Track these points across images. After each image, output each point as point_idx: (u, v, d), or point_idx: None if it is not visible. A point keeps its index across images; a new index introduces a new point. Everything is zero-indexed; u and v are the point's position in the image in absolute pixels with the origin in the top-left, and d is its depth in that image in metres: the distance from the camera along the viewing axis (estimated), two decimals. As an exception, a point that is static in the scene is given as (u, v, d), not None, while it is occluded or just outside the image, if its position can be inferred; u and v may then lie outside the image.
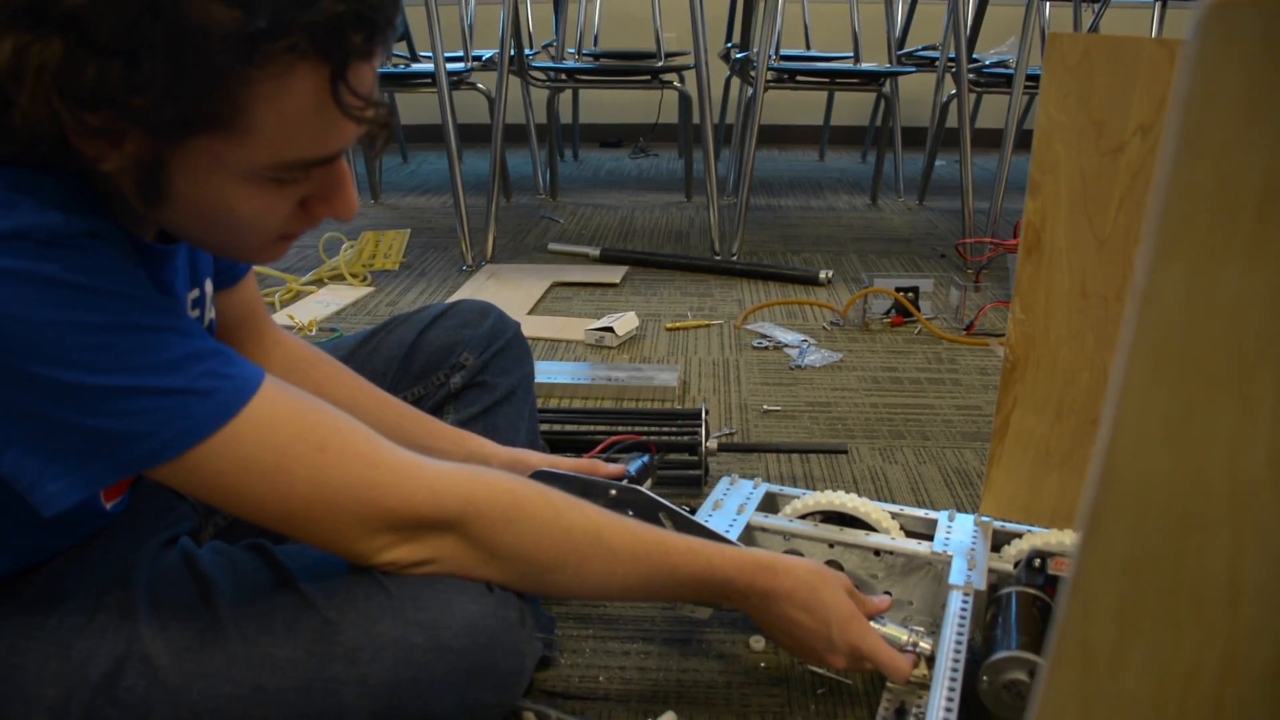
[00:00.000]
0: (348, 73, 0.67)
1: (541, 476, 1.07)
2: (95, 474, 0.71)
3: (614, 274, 2.67)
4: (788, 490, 1.26)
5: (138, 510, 0.93)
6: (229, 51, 0.63)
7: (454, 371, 1.23)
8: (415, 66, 3.60)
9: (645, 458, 1.21)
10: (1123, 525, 0.32)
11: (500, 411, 1.24)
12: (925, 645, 0.96)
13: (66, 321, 0.67)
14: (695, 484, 1.50)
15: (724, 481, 1.28)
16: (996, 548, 1.14)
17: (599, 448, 1.29)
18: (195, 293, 0.94)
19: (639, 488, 1.07)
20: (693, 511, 1.29)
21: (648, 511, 1.06)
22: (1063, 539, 1.09)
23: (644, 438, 1.40)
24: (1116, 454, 0.31)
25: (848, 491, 1.26)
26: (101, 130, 0.66)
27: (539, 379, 1.89)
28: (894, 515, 1.19)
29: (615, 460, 1.20)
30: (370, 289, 2.59)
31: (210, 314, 0.98)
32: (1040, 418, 1.16)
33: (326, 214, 0.78)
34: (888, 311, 2.29)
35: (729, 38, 4.15)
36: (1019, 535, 1.13)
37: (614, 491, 1.07)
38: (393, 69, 3.52)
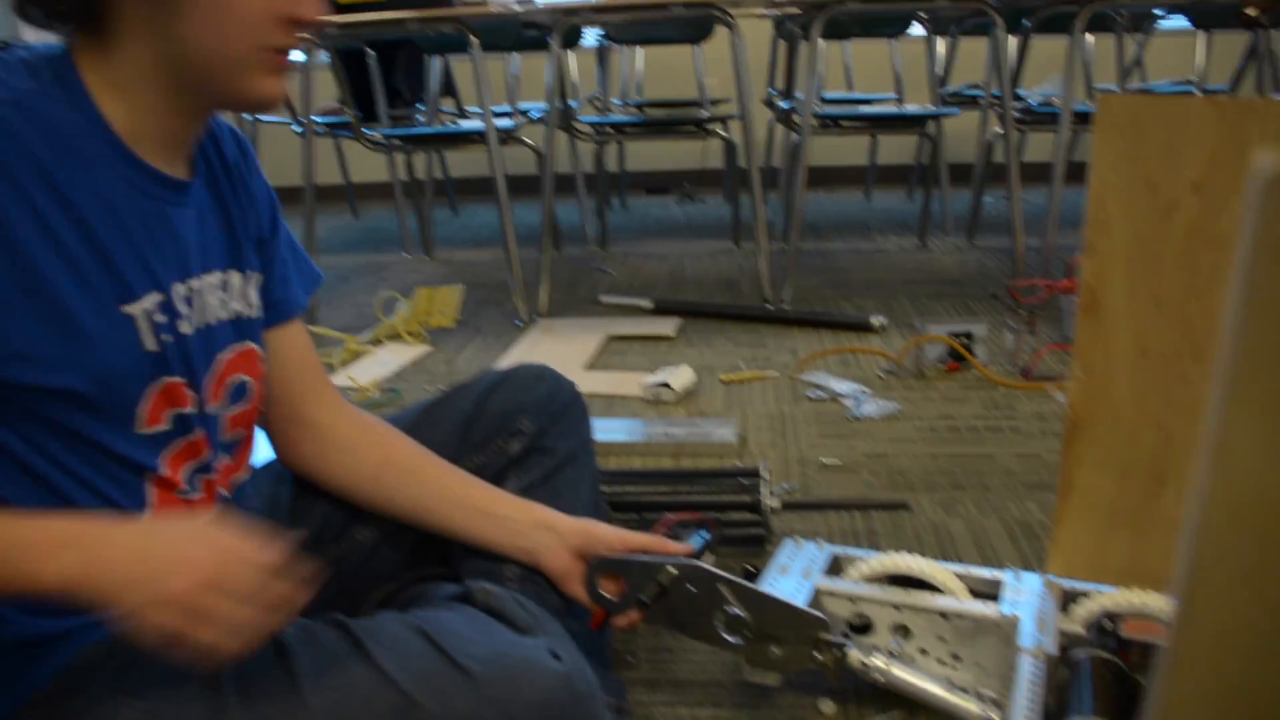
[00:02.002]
0: None
1: (602, 565, 1.09)
2: None
3: (668, 325, 2.70)
4: (853, 552, 1.26)
5: None
6: None
7: (513, 438, 1.24)
8: (464, 124, 3.67)
9: (705, 534, 1.23)
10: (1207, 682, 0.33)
11: (561, 476, 1.25)
12: (995, 717, 0.96)
13: None
14: (758, 543, 1.51)
15: (788, 543, 1.29)
16: (1064, 607, 1.13)
17: (660, 525, 1.31)
18: (218, 276, 0.97)
19: (699, 563, 1.09)
20: (757, 572, 1.30)
21: (709, 586, 1.07)
22: (1131, 599, 1.08)
23: (702, 515, 1.41)
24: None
25: (910, 549, 1.26)
26: None
27: (597, 437, 1.91)
28: (959, 576, 1.19)
29: (676, 537, 1.21)
30: (428, 348, 2.63)
31: (241, 308, 1.01)
32: (1105, 476, 1.16)
33: (293, 11, 0.86)
34: (942, 358, 2.29)
35: (771, 83, 4.19)
36: (1086, 594, 1.13)
37: (674, 570, 1.08)
38: (441, 128, 3.60)
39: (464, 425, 1.24)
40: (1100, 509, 1.18)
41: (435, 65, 3.98)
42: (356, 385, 2.31)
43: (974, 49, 4.07)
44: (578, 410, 1.30)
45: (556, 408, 1.26)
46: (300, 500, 1.18)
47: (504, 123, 3.24)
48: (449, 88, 4.35)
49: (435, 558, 1.21)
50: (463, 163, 5.02)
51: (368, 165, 4.88)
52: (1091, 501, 1.18)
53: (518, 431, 1.24)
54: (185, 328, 0.93)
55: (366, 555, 1.20)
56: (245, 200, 1.04)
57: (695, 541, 1.20)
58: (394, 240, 4.22)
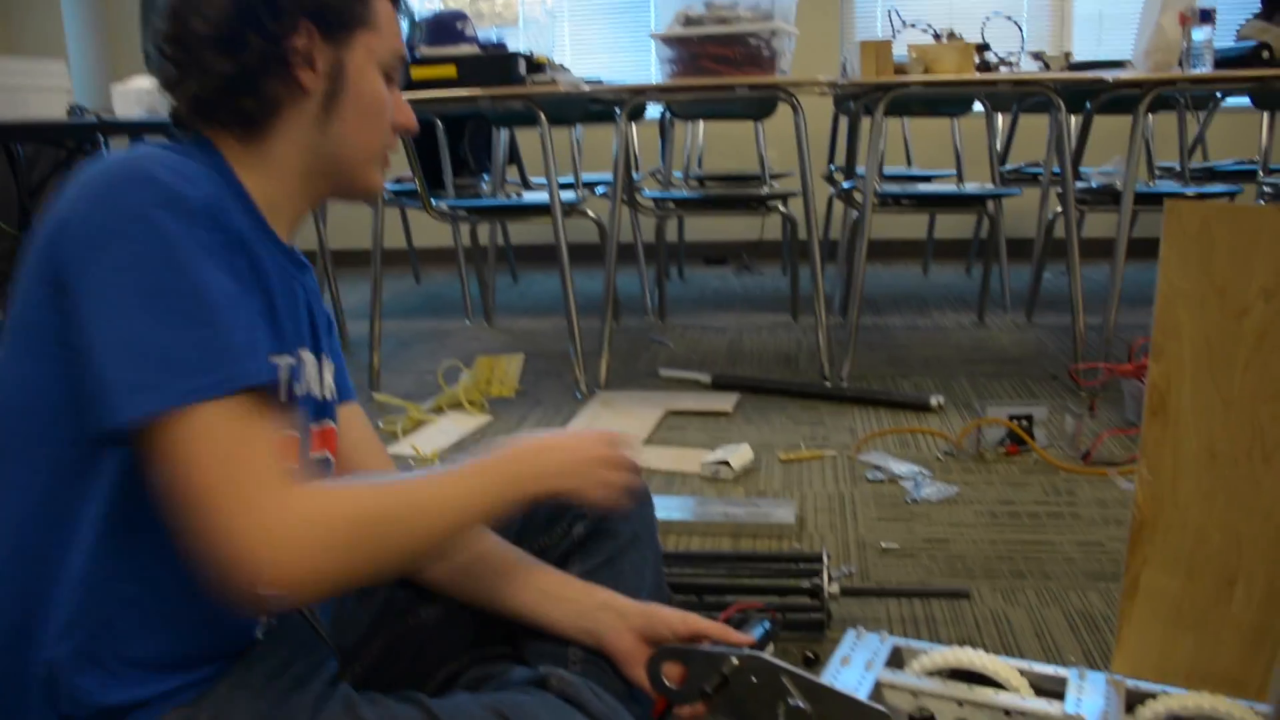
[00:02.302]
0: None
1: (666, 654, 1.10)
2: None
3: (726, 401, 2.72)
4: (915, 644, 1.26)
5: (282, 642, 1.00)
6: None
7: (577, 521, 1.26)
8: (528, 197, 3.75)
9: (767, 624, 1.23)
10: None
11: (625, 559, 1.25)
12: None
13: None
14: (818, 628, 1.51)
15: (850, 634, 1.29)
16: (1130, 708, 1.12)
17: (724, 615, 1.31)
18: (310, 353, 1.04)
19: (761, 654, 1.09)
20: (817, 658, 1.30)
21: (771, 678, 1.08)
22: (1199, 701, 1.07)
23: (764, 605, 1.42)
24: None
25: (971, 638, 1.26)
26: (304, 53, 0.96)
27: (657, 515, 1.93)
28: (1023, 672, 1.19)
29: (739, 626, 1.22)
30: (488, 417, 2.67)
31: (319, 390, 1.06)
32: (1171, 577, 1.15)
33: (404, 121, 1.06)
34: (1002, 441, 2.28)
35: (831, 158, 4.23)
36: (1153, 695, 1.12)
37: (736, 660, 1.09)
38: (507, 200, 3.68)
39: (530, 509, 1.25)
40: (1167, 609, 1.17)
41: (502, 135, 4.08)
42: (419, 455, 2.35)
43: (1035, 125, 4.09)
44: (640, 492, 1.31)
45: None
46: None
47: (568, 195, 3.30)
48: (514, 155, 4.45)
49: (498, 636, 1.23)
50: (522, 230, 5.11)
51: (431, 230, 4.98)
52: (1158, 602, 1.17)
53: (581, 515, 1.26)
54: (299, 391, 1.00)
55: (430, 633, 1.22)
56: (316, 296, 1.12)
57: (757, 631, 1.21)
58: (455, 306, 4.30)
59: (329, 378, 1.10)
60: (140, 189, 0.84)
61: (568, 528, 1.26)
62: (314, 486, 0.88)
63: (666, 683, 1.12)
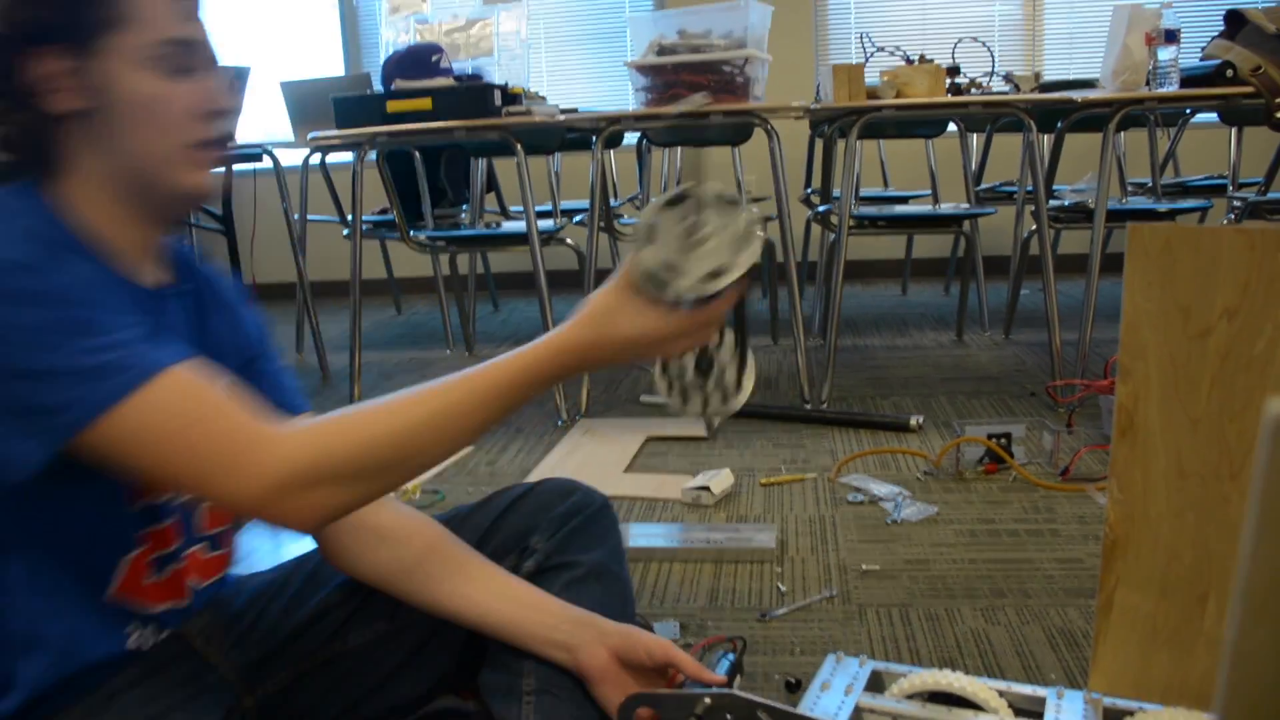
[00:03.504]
0: None
1: (635, 701, 1.09)
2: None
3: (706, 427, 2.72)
4: (894, 667, 1.27)
5: (158, 672, 1.01)
6: None
7: (525, 557, 1.24)
8: (507, 226, 3.76)
9: (730, 655, 1.24)
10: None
11: (585, 590, 1.22)
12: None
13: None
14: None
15: (830, 659, 1.30)
16: (1109, 726, 1.13)
17: (694, 649, 1.31)
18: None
19: (735, 691, 1.09)
20: (798, 683, 1.31)
21: (747, 712, 1.08)
22: (1176, 717, 1.08)
23: (726, 636, 1.42)
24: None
25: (951, 658, 1.26)
26: (54, 72, 0.92)
27: (637, 543, 1.94)
28: (1001, 693, 1.19)
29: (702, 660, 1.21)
30: (469, 446, 2.67)
31: None
32: (1145, 595, 1.16)
33: (209, 105, 0.99)
34: (981, 459, 2.30)
35: (808, 183, 4.27)
36: (1130, 713, 1.13)
37: (709, 700, 1.08)
38: (485, 230, 3.69)
39: (479, 543, 1.24)
40: (1141, 627, 1.18)
41: (480, 165, 4.09)
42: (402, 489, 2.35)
43: (1009, 143, 4.13)
44: (605, 521, 1.29)
45: (577, 523, 1.26)
46: (304, 591, 1.22)
47: (546, 224, 3.32)
48: (492, 184, 4.47)
49: (435, 664, 1.22)
50: (504, 257, 5.13)
51: (411, 259, 4.98)
52: (1132, 619, 1.19)
53: (529, 550, 1.24)
54: None
55: (353, 663, 1.20)
56: (228, 324, 1.13)
57: (723, 666, 1.21)
58: (436, 336, 4.30)
59: None
60: None
61: (516, 563, 1.24)
62: (303, 426, 0.91)
63: None
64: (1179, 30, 2.82)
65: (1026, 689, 1.20)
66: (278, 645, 1.18)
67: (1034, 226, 3.15)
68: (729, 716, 1.07)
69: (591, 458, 2.52)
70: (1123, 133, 4.18)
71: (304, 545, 1.27)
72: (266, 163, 4.05)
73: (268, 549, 2.02)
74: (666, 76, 2.86)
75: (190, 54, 0.98)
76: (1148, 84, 2.81)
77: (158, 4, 0.96)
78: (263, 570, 1.28)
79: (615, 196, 4.46)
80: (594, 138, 3.05)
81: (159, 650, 1.04)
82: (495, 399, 0.96)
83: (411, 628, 1.20)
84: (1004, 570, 1.82)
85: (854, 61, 3.15)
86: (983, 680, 1.19)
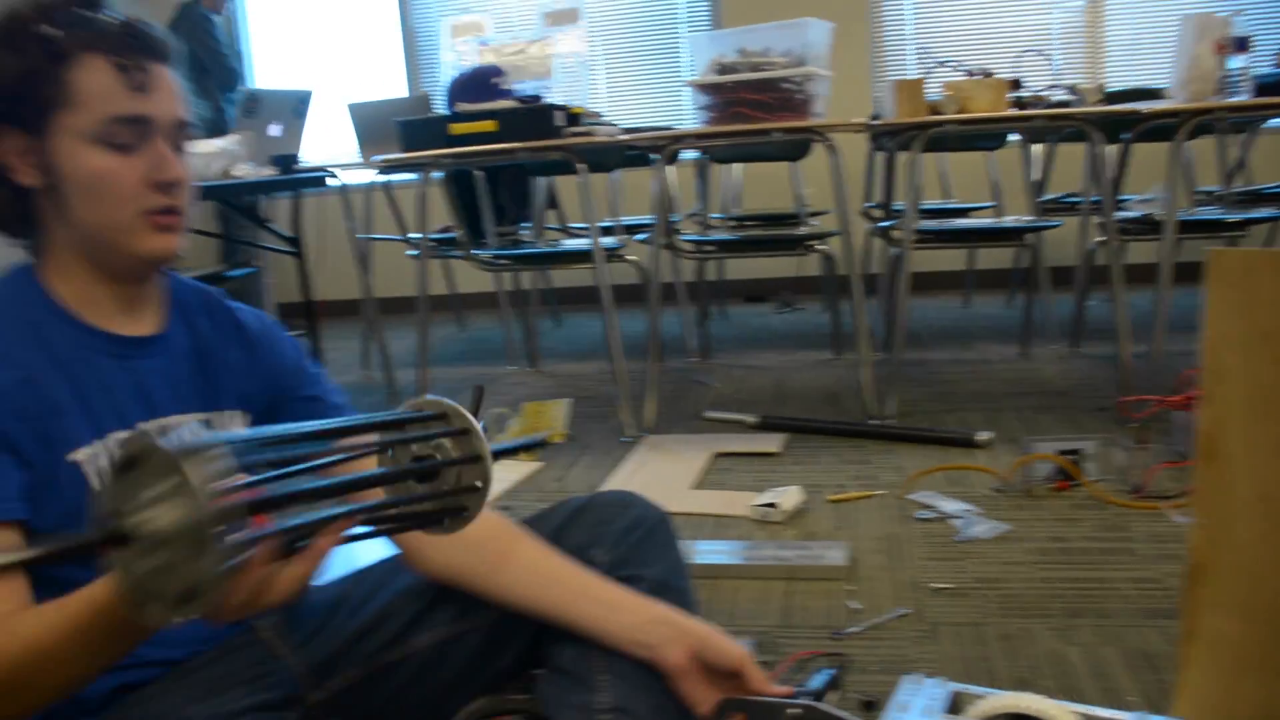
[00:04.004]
0: (117, 55, 1.02)
1: (728, 705, 1.11)
2: None
3: (773, 442, 2.73)
4: (973, 689, 1.27)
5: (228, 655, 1.08)
6: (48, 54, 1.00)
7: (595, 548, 1.24)
8: (569, 244, 3.80)
9: (830, 672, 1.25)
10: None
11: None
12: None
13: None
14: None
15: (906, 680, 1.30)
16: (1194, 753, 1.12)
17: (789, 659, 1.32)
18: (196, 416, 1.13)
19: (823, 705, 1.10)
20: (875, 705, 1.31)
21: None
22: (1264, 745, 1.07)
23: (828, 651, 1.43)
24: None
25: (1027, 679, 1.25)
26: (11, 149, 1.01)
27: (706, 559, 1.95)
28: (1084, 717, 1.19)
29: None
30: (539, 464, 2.70)
31: None
32: (1230, 621, 1.15)
33: (159, 177, 1.04)
34: (1051, 476, 2.28)
35: (868, 194, 4.25)
36: (1217, 740, 1.12)
37: (798, 709, 1.10)
38: (547, 248, 3.73)
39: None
40: (1227, 653, 1.17)
41: (540, 182, 4.14)
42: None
43: (1073, 152, 4.09)
44: (663, 535, 1.29)
45: (638, 537, 1.26)
46: (370, 595, 1.25)
47: (608, 241, 3.34)
48: (553, 201, 4.51)
49: (497, 667, 1.23)
50: (566, 274, 5.17)
51: (474, 276, 5.04)
52: (1218, 646, 1.17)
53: (591, 563, 1.24)
54: None
55: (421, 667, 1.22)
56: (243, 367, 1.19)
57: (820, 679, 1.22)
58: (499, 352, 4.35)
59: (239, 427, 1.17)
60: None
61: (588, 559, 1.24)
62: None
63: None
64: (1250, 37, 2.78)
65: (1109, 713, 1.20)
66: (343, 646, 1.20)
67: (1100, 237, 3.12)
68: None
69: (658, 474, 2.54)
70: (1191, 140, 4.12)
71: (376, 554, 1.30)
72: (332, 183, 4.14)
73: (342, 557, 2.07)
74: (727, 95, 2.88)
75: (137, 129, 1.04)
76: (1218, 92, 2.78)
77: (103, 83, 1.01)
78: (334, 579, 1.32)
79: (676, 211, 4.48)
80: (655, 156, 3.07)
81: (231, 639, 1.11)
82: (95, 624, 0.92)
83: (475, 631, 1.23)
84: (1079, 589, 1.81)
85: (911, 75, 3.14)
86: (1063, 704, 1.19)
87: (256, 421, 1.20)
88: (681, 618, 1.16)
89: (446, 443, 0.89)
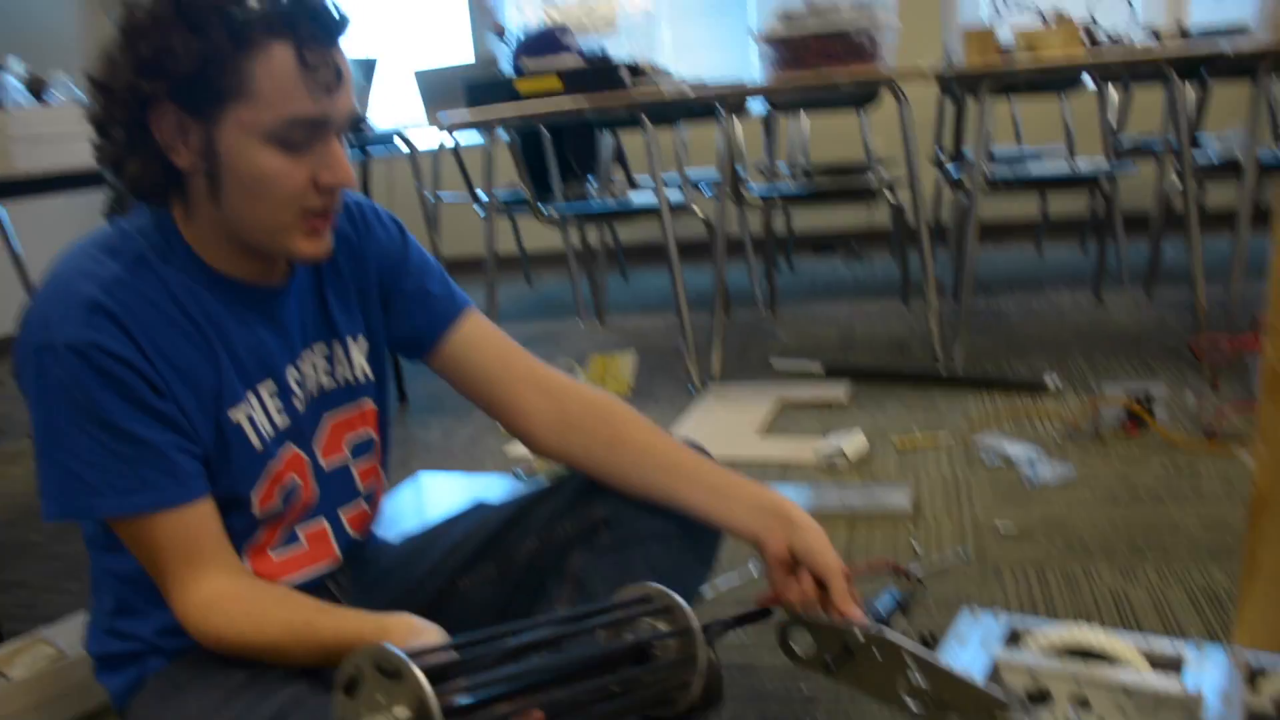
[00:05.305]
0: (305, 47, 0.95)
1: (794, 622, 1.15)
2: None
3: (839, 390, 2.74)
4: (1030, 623, 1.29)
5: None
6: (232, 38, 0.93)
7: (597, 503, 1.26)
8: (635, 199, 3.81)
9: (896, 594, 1.27)
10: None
11: (637, 551, 1.24)
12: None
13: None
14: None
15: (965, 613, 1.32)
16: (1251, 683, 1.13)
17: (860, 570, 1.35)
18: (321, 347, 1.16)
19: (886, 631, 1.13)
20: (934, 638, 1.33)
21: (893, 654, 1.12)
22: (1323, 675, 1.08)
23: (898, 565, 1.46)
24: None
25: (1089, 616, 1.27)
26: (174, 129, 0.96)
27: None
28: (1140, 649, 1.20)
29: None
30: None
31: (346, 373, 1.19)
32: (1290, 552, 1.16)
33: (329, 180, 1.01)
34: (1120, 420, 2.26)
35: (938, 140, 4.20)
36: (1276, 671, 1.13)
37: (861, 635, 1.13)
38: (614, 203, 3.75)
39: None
40: (1286, 584, 1.17)
41: (606, 138, 4.15)
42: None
43: (1150, 95, 3.99)
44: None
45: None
46: (425, 550, 1.32)
47: (674, 195, 3.36)
48: (619, 156, 4.53)
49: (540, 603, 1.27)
50: (633, 229, 5.19)
51: (541, 233, 5.09)
52: (1278, 577, 1.18)
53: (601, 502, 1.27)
54: (298, 403, 1.13)
55: (470, 599, 1.29)
56: (351, 273, 1.20)
57: (886, 600, 1.25)
58: (568, 307, 4.40)
59: (359, 358, 1.21)
60: (37, 329, 0.98)
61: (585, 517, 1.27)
62: (224, 585, 1.03)
63: (794, 648, 1.18)
64: (1335, -31, 2.69)
65: (1166, 644, 1.20)
66: (399, 596, 1.27)
67: (1176, 180, 3.05)
68: (877, 654, 1.12)
69: (725, 422, 2.57)
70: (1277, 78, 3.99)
71: (447, 508, 1.37)
72: (401, 146, 4.19)
73: (412, 514, 2.14)
74: (794, 46, 2.87)
75: (314, 129, 0.98)
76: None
77: (287, 79, 0.95)
78: (404, 535, 1.38)
79: (743, 163, 4.46)
80: (721, 109, 3.07)
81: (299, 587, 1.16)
82: (341, 652, 0.97)
83: (514, 572, 1.28)
84: (1144, 531, 1.80)
85: (981, 18, 3.09)
86: (1120, 636, 1.20)
87: (374, 337, 1.23)
88: (791, 509, 1.19)
89: (657, 623, 1.03)
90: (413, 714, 0.82)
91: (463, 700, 0.85)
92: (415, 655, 0.85)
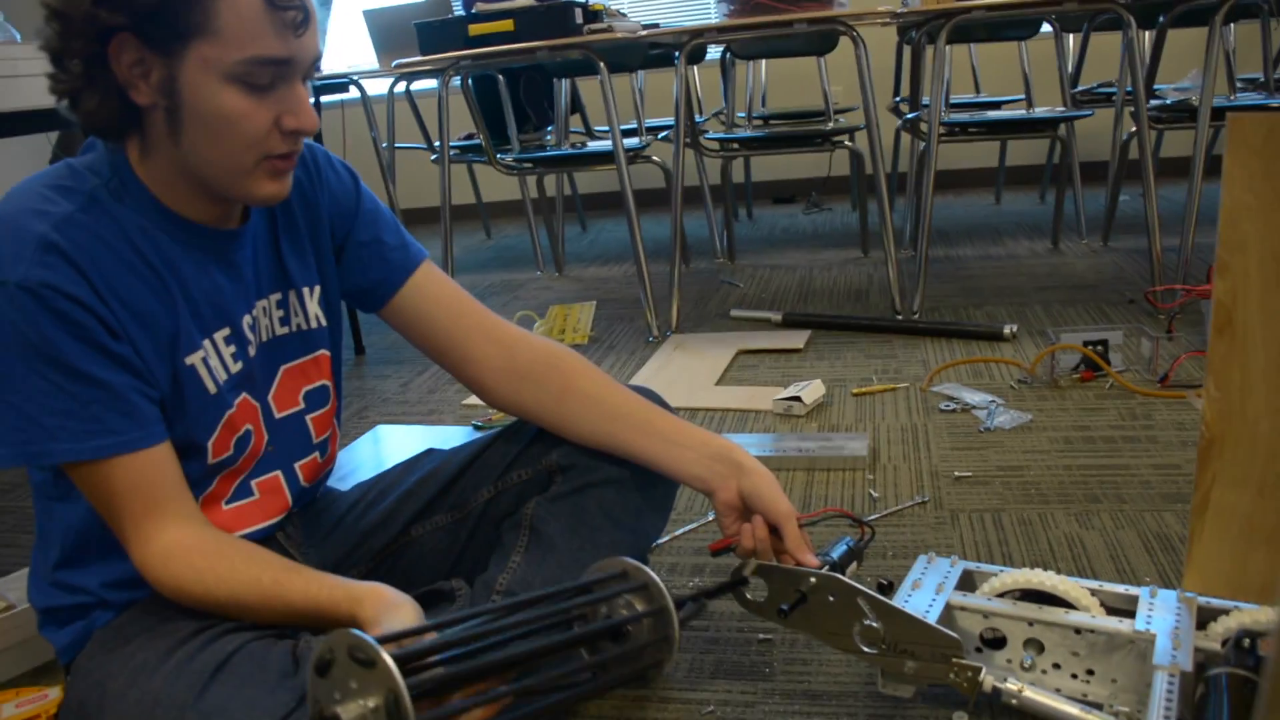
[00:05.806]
0: None
1: (749, 569, 1.15)
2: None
3: (797, 339, 2.73)
4: (985, 567, 1.29)
5: None
6: None
7: (553, 450, 1.28)
8: (593, 146, 3.76)
9: (849, 540, 1.26)
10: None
11: (591, 495, 1.26)
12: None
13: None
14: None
15: (921, 560, 1.32)
16: (1202, 624, 1.14)
17: (811, 515, 1.35)
18: (278, 295, 1.14)
19: (840, 576, 1.13)
20: (890, 585, 1.33)
21: (847, 598, 1.11)
22: (1270, 616, 1.08)
23: (855, 516, 1.46)
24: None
25: (1044, 562, 1.27)
26: (134, 63, 0.93)
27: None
28: (1093, 592, 1.20)
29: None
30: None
31: (301, 322, 1.18)
32: (1241, 494, 1.16)
33: (293, 125, 0.98)
34: (1076, 367, 2.27)
35: (896, 91, 4.18)
36: (1225, 612, 1.13)
37: (814, 580, 1.13)
38: (571, 150, 3.70)
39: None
40: (1237, 526, 1.18)
41: (564, 85, 4.09)
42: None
43: (1107, 44, 3.98)
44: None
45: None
46: (376, 499, 1.32)
47: (631, 142, 3.31)
48: (576, 106, 4.46)
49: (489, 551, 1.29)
50: (589, 179, 5.14)
51: (499, 184, 5.03)
52: (1228, 519, 1.18)
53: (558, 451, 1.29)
54: (251, 350, 1.11)
55: (423, 546, 1.30)
56: (305, 222, 1.17)
57: (840, 548, 1.24)
58: (526, 258, 4.35)
59: (313, 306, 1.19)
60: None
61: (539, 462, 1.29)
62: (186, 535, 1.01)
63: (747, 594, 1.18)
64: (1291, -88, 2.67)
65: (1119, 588, 1.21)
66: (352, 546, 1.28)
67: (1134, 129, 3.05)
68: (831, 599, 1.11)
69: (683, 371, 2.55)
70: (1233, 24, 3.99)
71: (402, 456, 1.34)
72: (353, 93, 4.11)
73: (370, 466, 2.11)
74: (750, -13, 2.82)
75: (278, 70, 0.96)
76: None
77: (252, 17, 0.92)
78: (356, 485, 1.37)
79: (700, 112, 4.42)
80: (677, 53, 3.03)
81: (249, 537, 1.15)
82: (306, 616, 1.02)
83: (468, 519, 1.29)
84: (1099, 476, 1.81)
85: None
86: (1074, 580, 1.20)
87: (327, 285, 1.21)
88: (741, 455, 1.20)
89: (634, 600, 1.08)
90: (384, 705, 0.82)
91: (434, 684, 0.87)
92: (389, 640, 0.85)
